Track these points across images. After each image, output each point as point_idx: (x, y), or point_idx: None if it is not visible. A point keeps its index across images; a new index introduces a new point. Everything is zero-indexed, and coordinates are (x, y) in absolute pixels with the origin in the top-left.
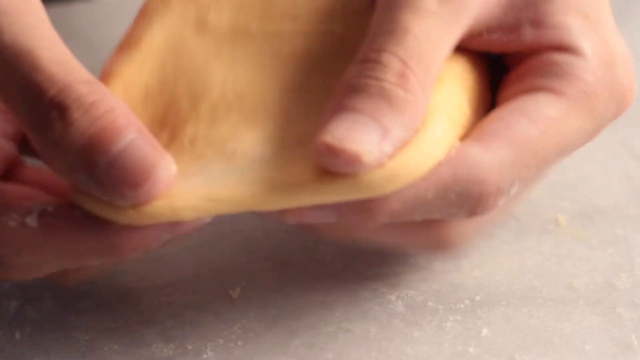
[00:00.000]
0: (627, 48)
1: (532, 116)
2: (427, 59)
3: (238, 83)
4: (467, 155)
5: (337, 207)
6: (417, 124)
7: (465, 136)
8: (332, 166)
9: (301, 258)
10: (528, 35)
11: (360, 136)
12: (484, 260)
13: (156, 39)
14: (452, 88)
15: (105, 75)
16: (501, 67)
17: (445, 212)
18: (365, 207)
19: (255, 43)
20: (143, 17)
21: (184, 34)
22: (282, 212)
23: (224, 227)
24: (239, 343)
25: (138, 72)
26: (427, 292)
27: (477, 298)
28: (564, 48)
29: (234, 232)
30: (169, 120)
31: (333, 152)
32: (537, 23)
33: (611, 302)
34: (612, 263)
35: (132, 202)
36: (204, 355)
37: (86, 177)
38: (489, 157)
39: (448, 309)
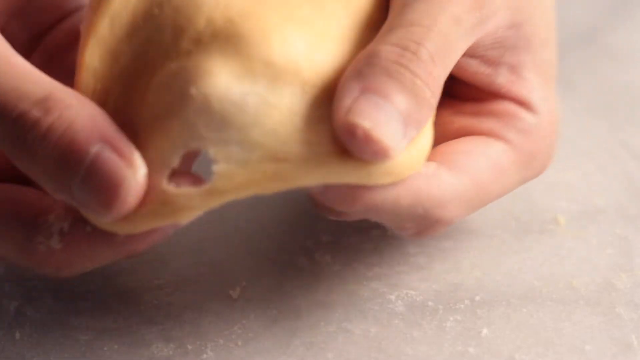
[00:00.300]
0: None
1: (492, 162)
2: (449, 63)
3: (231, 7)
4: (442, 179)
5: (326, 186)
6: (426, 123)
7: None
8: (357, 150)
9: (301, 258)
10: (502, 76)
11: (392, 129)
12: (484, 260)
13: None
14: None
15: (92, 3)
16: None
17: (401, 222)
18: (350, 194)
19: None
20: None
21: None
22: None
23: (224, 226)
24: (239, 343)
25: (125, 1)
26: (427, 292)
27: (477, 298)
28: (526, 104)
29: (234, 232)
30: (149, 59)
31: (367, 139)
32: (514, 69)
33: (611, 302)
34: (612, 263)
35: (112, 219)
36: (204, 355)
37: (69, 199)
38: (457, 188)
39: (448, 309)
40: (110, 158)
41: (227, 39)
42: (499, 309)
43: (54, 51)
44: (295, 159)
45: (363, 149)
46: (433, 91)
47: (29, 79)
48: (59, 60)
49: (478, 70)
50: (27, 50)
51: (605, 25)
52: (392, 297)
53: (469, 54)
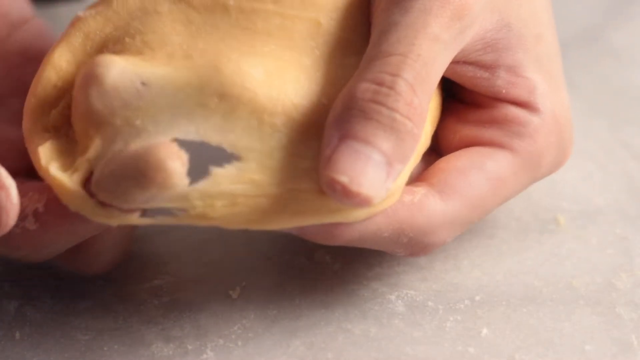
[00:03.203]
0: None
1: (488, 175)
2: (431, 85)
3: (193, 46)
4: (429, 207)
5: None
6: (413, 155)
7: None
8: (340, 202)
9: (301, 258)
10: (501, 79)
11: (371, 178)
12: (484, 260)
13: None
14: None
15: (73, 20)
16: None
17: (389, 249)
18: (328, 231)
19: (229, 16)
20: None
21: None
22: None
23: None
24: (239, 343)
25: (101, 25)
26: (427, 292)
27: (477, 298)
28: (527, 105)
29: (234, 232)
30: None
31: (347, 193)
32: (512, 70)
33: (611, 302)
34: (612, 263)
35: None
36: (204, 355)
37: None
38: (446, 213)
39: (448, 309)
40: None
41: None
42: (499, 309)
43: None
44: (268, 199)
45: (345, 201)
46: (415, 121)
47: None
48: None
49: (475, 75)
50: None
51: (606, 25)
52: (392, 297)
53: (463, 60)
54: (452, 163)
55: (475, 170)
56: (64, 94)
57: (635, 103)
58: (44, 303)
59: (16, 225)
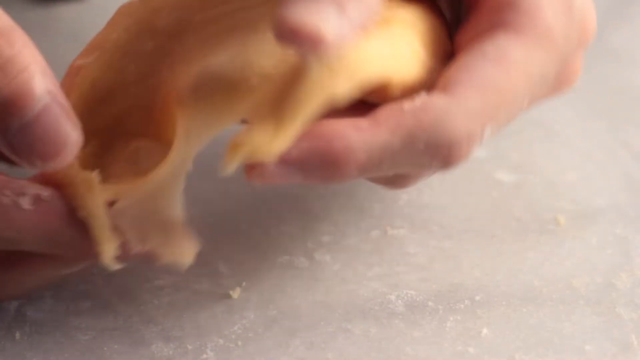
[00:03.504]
0: None
1: (494, 59)
2: None
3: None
4: (433, 105)
5: (301, 165)
6: (373, 11)
7: (427, 84)
8: (293, 46)
9: (301, 258)
10: None
11: (320, 12)
12: (484, 260)
13: (117, 43)
14: (402, 29)
15: (70, 69)
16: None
17: (416, 164)
18: (330, 162)
19: (197, 30)
20: (112, 19)
21: (139, 39)
22: (248, 172)
23: (224, 226)
24: (239, 343)
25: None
26: (427, 292)
27: (477, 298)
28: None
29: (234, 232)
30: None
31: (295, 30)
32: None
33: (611, 302)
34: (612, 263)
35: (42, 168)
36: (204, 355)
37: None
38: (455, 105)
39: (448, 309)
40: (59, 111)
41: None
42: (499, 309)
43: None
44: None
45: (294, 41)
46: None
47: None
48: None
49: None
50: None
51: (606, 26)
52: (392, 297)
53: None
54: (452, 64)
55: (477, 60)
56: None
57: (635, 103)
58: (44, 303)
59: (6, 196)
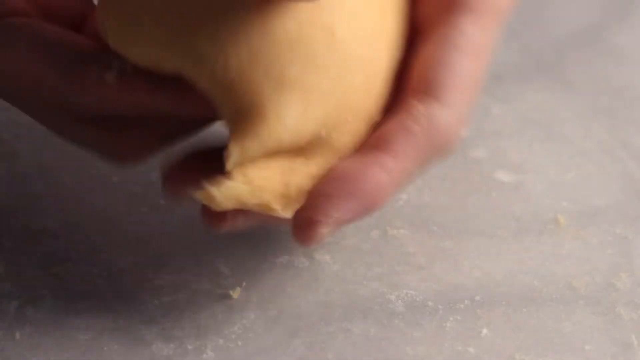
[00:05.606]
0: None
1: (464, 48)
2: None
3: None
4: (438, 120)
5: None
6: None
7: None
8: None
9: (301, 258)
10: None
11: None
12: (484, 260)
13: None
14: None
15: None
16: None
17: (423, 172)
18: (371, 210)
19: None
20: None
21: None
22: (298, 237)
23: None
24: (239, 343)
25: None
26: (427, 292)
27: (477, 298)
28: None
29: (234, 232)
30: None
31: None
32: None
33: (611, 302)
34: (612, 263)
35: None
36: (204, 355)
37: None
38: (452, 114)
39: (448, 309)
40: None
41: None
42: (499, 309)
43: None
44: None
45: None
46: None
47: None
48: None
49: None
50: None
51: (606, 25)
52: (392, 297)
53: None
54: (428, 56)
55: (451, 53)
56: None
57: (635, 103)
58: (44, 303)
59: (94, 70)
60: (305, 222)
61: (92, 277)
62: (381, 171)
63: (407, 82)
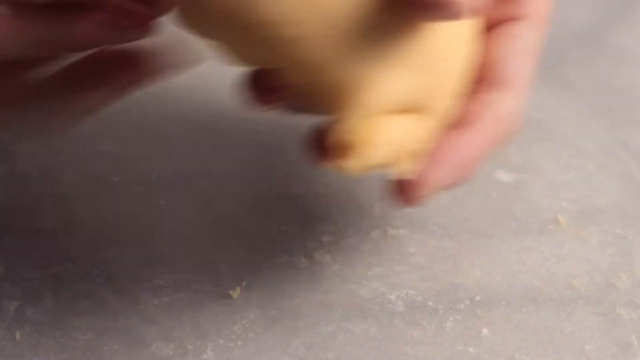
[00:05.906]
0: None
1: (523, 54)
2: None
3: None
4: (511, 109)
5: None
6: None
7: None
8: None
9: (301, 258)
10: None
11: None
12: (484, 260)
13: None
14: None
15: None
16: None
17: (508, 136)
18: (460, 172)
19: None
20: None
21: None
22: (400, 195)
23: (224, 227)
24: (239, 343)
25: None
26: (427, 292)
27: (477, 298)
28: None
29: (234, 233)
30: None
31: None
32: None
33: (611, 302)
34: (612, 263)
35: None
36: (204, 355)
37: None
38: (519, 105)
39: (448, 309)
40: None
41: None
42: (499, 309)
43: None
44: None
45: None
46: None
47: None
48: None
49: None
50: None
51: (606, 25)
52: (392, 297)
53: None
54: (497, 56)
55: (515, 56)
56: None
57: (635, 103)
58: (44, 303)
59: None
60: (410, 183)
61: (92, 277)
62: (474, 149)
63: (481, 73)
